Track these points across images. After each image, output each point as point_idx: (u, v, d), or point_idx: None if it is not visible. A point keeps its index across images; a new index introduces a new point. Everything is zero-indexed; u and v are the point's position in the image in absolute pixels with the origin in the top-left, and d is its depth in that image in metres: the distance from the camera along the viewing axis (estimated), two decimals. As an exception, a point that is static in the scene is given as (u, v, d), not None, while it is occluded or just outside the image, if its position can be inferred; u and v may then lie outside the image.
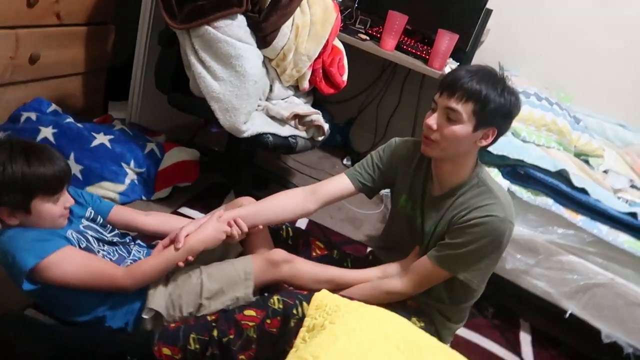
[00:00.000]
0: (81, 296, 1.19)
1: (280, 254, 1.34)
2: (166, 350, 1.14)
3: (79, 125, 1.91)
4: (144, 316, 1.23)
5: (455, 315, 1.43)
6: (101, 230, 1.32)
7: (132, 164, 1.92)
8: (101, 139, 1.90)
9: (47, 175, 1.12)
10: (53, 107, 1.97)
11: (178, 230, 1.28)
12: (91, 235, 1.27)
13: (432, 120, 1.25)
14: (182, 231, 1.26)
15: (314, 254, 1.54)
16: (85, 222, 1.30)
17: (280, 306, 1.16)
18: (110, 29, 2.21)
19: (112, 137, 1.93)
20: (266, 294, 1.23)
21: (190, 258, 1.26)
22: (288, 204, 1.40)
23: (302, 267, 1.35)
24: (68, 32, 2.01)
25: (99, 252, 1.26)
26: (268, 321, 1.15)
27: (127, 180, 1.90)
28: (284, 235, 1.55)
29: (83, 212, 1.31)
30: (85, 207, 1.33)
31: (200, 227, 1.29)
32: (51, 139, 1.81)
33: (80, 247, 1.21)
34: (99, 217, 1.34)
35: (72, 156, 1.80)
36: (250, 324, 1.15)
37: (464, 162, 1.30)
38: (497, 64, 2.35)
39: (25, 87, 1.93)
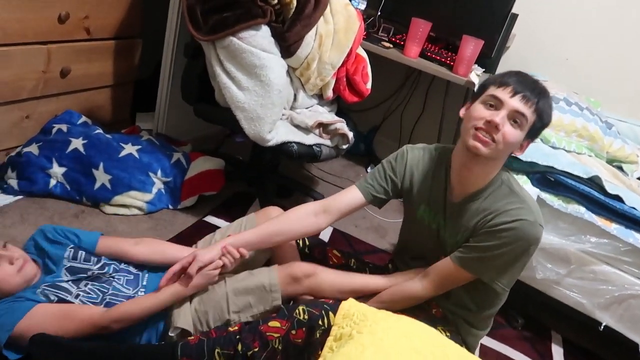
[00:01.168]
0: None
1: (302, 267, 1.34)
2: None
3: (107, 136, 1.96)
4: (171, 334, 1.23)
5: (481, 323, 1.39)
6: (85, 267, 1.30)
7: (159, 173, 1.95)
8: (129, 149, 1.93)
9: None
10: (83, 118, 2.03)
11: (190, 258, 1.26)
12: (68, 281, 1.25)
13: (499, 118, 1.16)
14: (194, 265, 1.25)
15: (330, 263, 1.52)
16: (67, 264, 1.29)
17: (306, 317, 1.14)
18: (137, 43, 2.27)
19: (139, 147, 1.97)
20: (291, 303, 1.22)
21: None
22: (300, 224, 1.37)
23: (326, 279, 1.34)
24: (97, 47, 2.07)
25: (77, 296, 1.24)
26: (293, 332, 1.13)
27: (154, 190, 1.93)
28: (301, 245, 1.53)
29: (62, 252, 1.30)
30: (64, 247, 1.32)
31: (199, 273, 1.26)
32: (81, 149, 1.86)
33: (51, 302, 1.20)
34: (81, 252, 1.32)
35: (101, 166, 1.84)
36: (275, 335, 1.14)
37: (494, 167, 1.26)
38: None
39: (57, 100, 1.99)
